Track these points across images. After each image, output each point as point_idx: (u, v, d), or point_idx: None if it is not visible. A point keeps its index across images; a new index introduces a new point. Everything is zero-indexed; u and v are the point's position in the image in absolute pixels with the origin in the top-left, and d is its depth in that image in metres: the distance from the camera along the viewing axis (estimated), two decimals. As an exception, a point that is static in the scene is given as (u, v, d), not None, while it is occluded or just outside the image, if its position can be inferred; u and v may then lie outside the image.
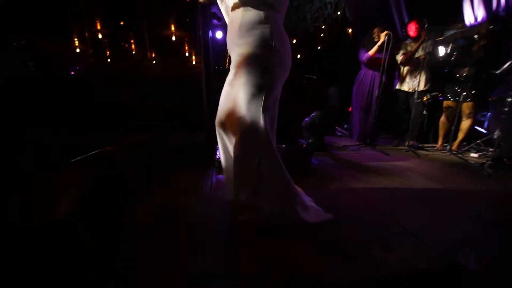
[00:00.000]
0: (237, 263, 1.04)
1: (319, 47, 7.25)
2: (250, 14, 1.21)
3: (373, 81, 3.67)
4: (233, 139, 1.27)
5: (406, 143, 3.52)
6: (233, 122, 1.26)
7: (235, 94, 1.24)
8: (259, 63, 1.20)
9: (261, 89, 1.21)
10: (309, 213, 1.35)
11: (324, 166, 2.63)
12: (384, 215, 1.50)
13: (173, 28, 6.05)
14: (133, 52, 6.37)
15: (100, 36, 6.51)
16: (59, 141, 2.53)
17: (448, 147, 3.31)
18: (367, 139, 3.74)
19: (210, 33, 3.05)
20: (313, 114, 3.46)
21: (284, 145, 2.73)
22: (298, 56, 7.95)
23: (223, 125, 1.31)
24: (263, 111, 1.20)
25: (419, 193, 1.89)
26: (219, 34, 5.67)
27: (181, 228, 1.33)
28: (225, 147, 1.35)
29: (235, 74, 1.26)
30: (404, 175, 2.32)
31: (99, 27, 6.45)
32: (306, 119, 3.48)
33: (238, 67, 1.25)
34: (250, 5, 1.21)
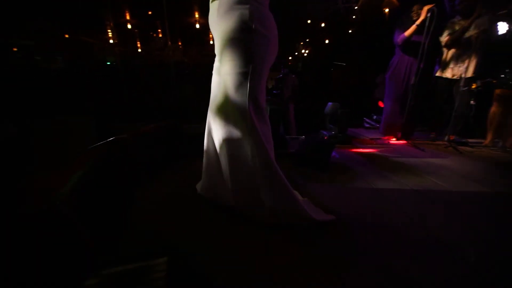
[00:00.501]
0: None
1: (350, 31, 6.68)
2: None
3: (409, 68, 3.25)
4: (220, 132, 1.22)
5: (446, 137, 3.09)
6: (221, 112, 1.21)
7: (222, 83, 1.19)
8: (240, 49, 1.11)
9: (245, 76, 1.11)
10: (313, 211, 1.24)
11: (346, 161, 2.42)
12: (414, 223, 1.30)
13: (197, 16, 5.99)
14: (160, 40, 6.49)
15: (129, 26, 6.78)
16: (88, 128, 2.68)
17: (501, 143, 2.83)
18: (398, 132, 3.38)
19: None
20: (331, 104, 3.20)
21: (303, 136, 2.57)
22: (327, 41, 7.43)
23: (213, 116, 1.26)
24: (250, 100, 1.13)
25: (458, 197, 1.62)
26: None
27: (186, 211, 1.29)
28: (210, 138, 1.31)
29: (220, 61, 1.20)
30: (440, 175, 2.03)
31: (128, 18, 6.70)
32: (325, 109, 3.24)
33: (222, 53, 1.18)
34: None
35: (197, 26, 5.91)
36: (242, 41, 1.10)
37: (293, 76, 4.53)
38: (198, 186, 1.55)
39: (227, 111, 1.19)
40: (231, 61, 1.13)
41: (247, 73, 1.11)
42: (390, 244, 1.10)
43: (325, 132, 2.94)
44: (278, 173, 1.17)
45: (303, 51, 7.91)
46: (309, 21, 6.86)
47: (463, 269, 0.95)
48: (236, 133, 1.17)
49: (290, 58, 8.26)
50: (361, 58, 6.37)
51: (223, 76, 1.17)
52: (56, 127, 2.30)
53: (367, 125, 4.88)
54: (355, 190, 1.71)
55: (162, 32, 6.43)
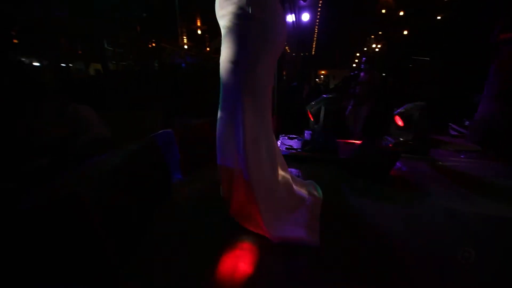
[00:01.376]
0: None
1: (438, 17, 5.54)
2: None
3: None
4: (218, 123, 1.14)
5: None
6: (220, 102, 1.13)
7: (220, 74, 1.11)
8: (234, 36, 1.03)
9: (236, 64, 1.02)
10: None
11: (416, 174, 1.97)
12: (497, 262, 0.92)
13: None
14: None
15: (199, 32, 7.51)
16: (152, 122, 2.97)
17: None
18: (497, 141, 2.57)
19: (293, 16, 2.78)
20: (408, 105, 2.67)
21: (361, 141, 2.24)
22: (405, 32, 6.38)
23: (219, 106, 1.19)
24: (245, 91, 1.02)
25: None
26: (305, 17, 5.24)
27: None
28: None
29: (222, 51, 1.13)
30: None
31: (199, 24, 7.41)
32: (397, 110, 2.73)
33: (222, 42, 1.10)
34: None
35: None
36: (238, 27, 1.02)
37: (375, 72, 3.96)
38: None
39: (223, 101, 1.11)
40: (226, 49, 1.05)
41: (238, 62, 1.02)
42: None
43: (389, 139, 2.50)
44: (261, 179, 1.07)
45: (374, 45, 7.04)
46: (383, 11, 6.05)
47: None
48: (227, 126, 1.09)
49: (357, 54, 7.49)
50: (450, 52, 5.21)
51: (220, 64, 1.09)
52: (128, 119, 2.70)
53: (454, 133, 3.94)
54: (421, 213, 1.36)
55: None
